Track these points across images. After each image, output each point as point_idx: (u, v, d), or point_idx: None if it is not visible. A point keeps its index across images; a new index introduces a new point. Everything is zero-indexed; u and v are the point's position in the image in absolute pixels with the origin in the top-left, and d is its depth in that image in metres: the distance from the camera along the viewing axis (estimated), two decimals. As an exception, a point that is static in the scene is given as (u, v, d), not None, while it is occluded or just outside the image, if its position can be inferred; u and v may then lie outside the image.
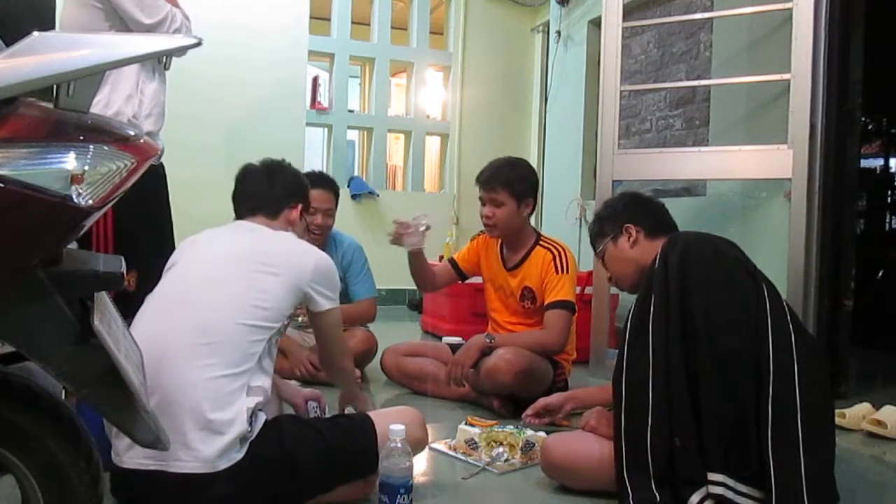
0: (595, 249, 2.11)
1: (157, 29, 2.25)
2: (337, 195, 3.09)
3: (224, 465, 1.47)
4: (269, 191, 1.91)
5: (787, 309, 1.68)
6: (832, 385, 2.85)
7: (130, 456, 1.46)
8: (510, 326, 2.83)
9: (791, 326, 1.64)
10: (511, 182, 2.69)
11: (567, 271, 2.64)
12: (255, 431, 1.54)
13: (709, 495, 1.55)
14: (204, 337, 1.52)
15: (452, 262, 3.02)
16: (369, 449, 1.65)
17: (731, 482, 1.55)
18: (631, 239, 1.98)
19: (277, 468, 1.56)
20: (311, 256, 1.77)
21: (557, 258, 2.68)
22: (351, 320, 3.03)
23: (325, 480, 1.63)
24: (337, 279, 1.84)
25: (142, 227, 2.25)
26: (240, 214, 1.92)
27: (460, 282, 3.09)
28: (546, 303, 2.63)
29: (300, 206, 1.97)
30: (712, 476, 1.56)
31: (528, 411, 2.27)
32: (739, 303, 1.64)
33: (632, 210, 2.04)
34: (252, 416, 1.54)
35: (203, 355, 1.50)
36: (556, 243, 2.75)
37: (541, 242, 2.76)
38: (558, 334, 2.60)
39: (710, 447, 1.56)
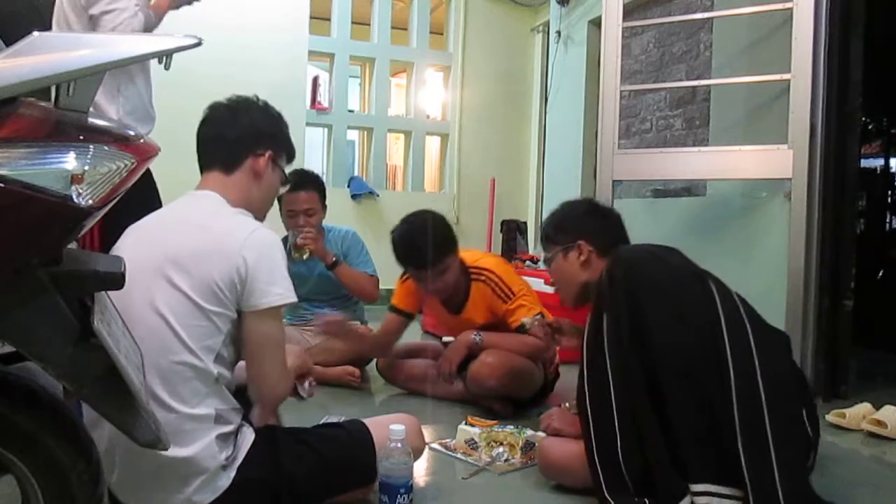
0: (544, 251, 2.08)
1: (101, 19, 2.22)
2: (321, 192, 3.05)
3: (209, 498, 1.42)
4: (227, 134, 1.58)
5: (740, 303, 1.69)
6: (832, 385, 2.89)
7: (115, 496, 1.40)
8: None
9: (747, 321, 1.65)
10: (445, 244, 2.54)
11: (513, 294, 2.58)
12: (242, 453, 1.47)
13: None
14: (148, 375, 1.28)
15: (396, 309, 2.82)
16: (368, 462, 1.61)
17: (714, 488, 1.56)
18: (582, 258, 1.94)
19: (273, 491, 1.50)
20: (242, 232, 1.46)
21: (497, 287, 2.60)
22: (353, 286, 3.08)
23: (322, 496, 1.60)
24: (282, 267, 1.48)
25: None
26: (200, 166, 1.64)
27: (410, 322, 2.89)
28: (516, 327, 2.56)
29: (269, 153, 1.61)
30: (696, 487, 1.57)
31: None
32: (692, 308, 1.66)
33: (589, 223, 2.00)
34: (234, 436, 1.47)
35: (150, 395, 1.30)
36: (485, 270, 2.64)
37: (472, 276, 2.65)
38: (545, 340, 2.54)
39: (690, 459, 1.57)
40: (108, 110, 2.25)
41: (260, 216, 1.67)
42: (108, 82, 2.26)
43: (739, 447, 1.54)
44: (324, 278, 3.09)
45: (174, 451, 1.33)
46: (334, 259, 2.99)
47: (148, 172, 2.40)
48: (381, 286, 3.21)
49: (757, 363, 1.59)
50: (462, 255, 2.70)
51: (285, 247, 3.09)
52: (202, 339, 1.41)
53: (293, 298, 1.49)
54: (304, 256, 2.95)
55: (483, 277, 2.64)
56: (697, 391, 1.60)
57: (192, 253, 1.43)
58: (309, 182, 3.02)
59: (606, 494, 1.63)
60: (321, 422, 1.93)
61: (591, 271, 1.90)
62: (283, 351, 1.53)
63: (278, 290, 1.46)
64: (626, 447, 1.62)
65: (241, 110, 1.61)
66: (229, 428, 1.46)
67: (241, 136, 1.59)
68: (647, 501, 1.59)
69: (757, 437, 1.54)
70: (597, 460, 1.66)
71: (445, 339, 3.00)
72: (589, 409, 1.69)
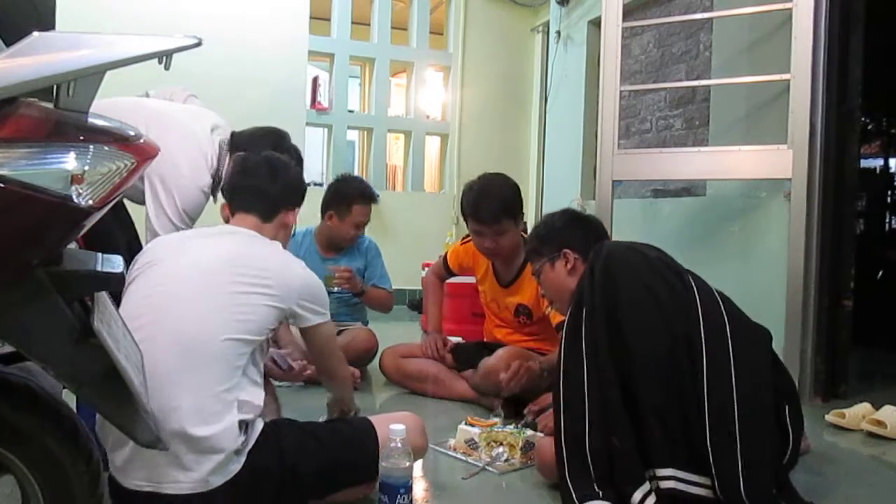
0: (532, 266, 2.13)
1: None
2: None
3: (220, 480, 1.46)
4: (269, 189, 1.81)
5: (720, 300, 1.72)
6: (832, 385, 2.89)
7: (126, 474, 1.43)
8: (499, 333, 2.85)
9: (725, 317, 1.67)
10: (511, 207, 2.61)
11: None
12: (252, 441, 1.52)
13: (651, 491, 1.59)
14: (186, 354, 1.45)
15: (445, 262, 3.03)
16: (370, 457, 1.63)
17: (680, 474, 1.59)
18: (568, 265, 1.99)
19: (277, 479, 1.54)
20: (299, 274, 1.69)
21: None
22: (375, 306, 3.25)
23: (325, 489, 1.62)
24: (325, 295, 1.77)
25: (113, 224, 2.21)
26: (234, 208, 1.82)
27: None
28: (558, 323, 2.50)
29: (297, 210, 1.88)
30: (661, 472, 1.60)
31: (534, 407, 2.29)
32: (668, 299, 1.69)
33: (571, 232, 2.04)
34: (247, 425, 1.52)
35: (186, 375, 1.43)
36: None
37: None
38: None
39: (656, 445, 1.60)
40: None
41: None
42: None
43: (707, 439, 1.57)
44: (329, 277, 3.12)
45: (206, 433, 1.42)
46: (361, 288, 3.12)
47: None
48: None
49: (732, 356, 1.62)
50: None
51: (312, 241, 3.21)
52: (249, 333, 1.53)
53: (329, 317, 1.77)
54: (335, 289, 3.05)
55: None
56: (669, 380, 1.62)
57: (265, 267, 1.61)
58: (375, 198, 3.22)
59: (568, 476, 1.65)
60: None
61: (579, 277, 1.92)
62: (338, 348, 1.89)
63: (324, 310, 1.74)
64: (595, 432, 1.64)
65: (281, 170, 1.84)
66: (249, 417, 1.52)
67: (280, 194, 1.82)
68: (601, 494, 1.60)
69: (724, 431, 1.57)
70: (563, 443, 1.68)
71: (453, 338, 3.00)
72: (562, 394, 1.71)
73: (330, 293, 3.10)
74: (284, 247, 1.84)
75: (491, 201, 2.58)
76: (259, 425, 1.56)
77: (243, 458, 1.49)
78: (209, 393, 1.44)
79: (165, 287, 1.53)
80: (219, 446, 1.44)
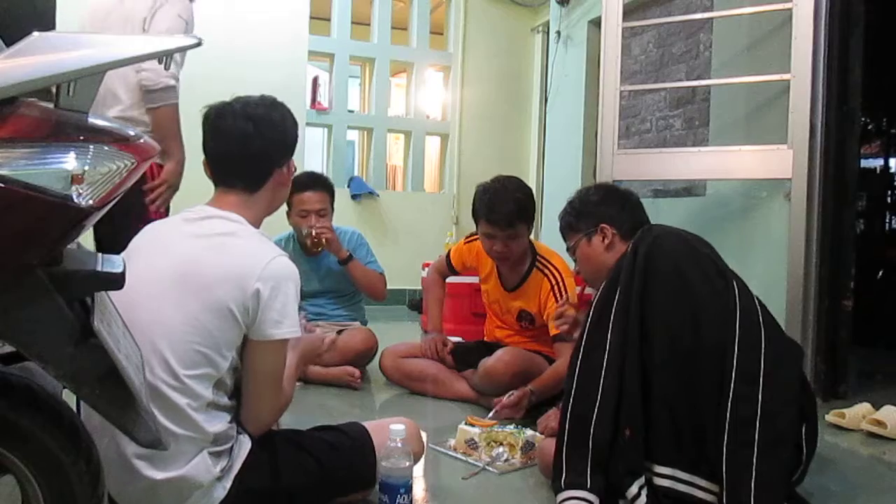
0: (565, 241, 2.05)
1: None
2: (331, 193, 3.10)
3: None
4: (251, 152, 1.50)
5: (759, 310, 1.67)
6: (832, 385, 2.89)
7: None
8: (500, 333, 2.85)
9: (762, 329, 1.62)
10: (526, 211, 2.57)
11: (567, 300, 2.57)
12: (239, 462, 1.46)
13: (646, 485, 1.57)
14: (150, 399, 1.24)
15: (448, 260, 2.99)
16: (368, 468, 1.62)
17: (681, 475, 1.56)
18: (606, 241, 1.93)
19: (272, 499, 1.50)
20: (261, 258, 1.42)
21: (556, 287, 2.60)
22: (365, 283, 3.12)
23: (321, 502, 1.61)
24: (295, 301, 1.46)
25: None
26: (214, 180, 1.56)
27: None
28: (554, 335, 2.56)
29: (291, 161, 1.58)
30: (660, 469, 1.57)
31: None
32: (705, 300, 1.64)
33: (608, 207, 1.97)
34: (230, 448, 1.47)
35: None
36: (553, 266, 2.66)
37: (538, 264, 2.68)
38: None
39: (662, 440, 1.58)
40: None
41: (270, 214, 1.65)
42: None
43: (724, 447, 1.53)
44: (329, 276, 3.11)
45: (168, 472, 1.35)
46: (348, 254, 3.03)
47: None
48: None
49: (762, 369, 1.57)
50: (535, 242, 2.76)
51: (295, 243, 3.11)
52: (205, 366, 1.40)
53: (298, 334, 1.49)
54: (319, 249, 2.98)
55: (548, 271, 2.65)
56: (688, 378, 1.59)
57: (209, 274, 1.41)
58: (320, 183, 3.07)
59: (564, 454, 1.63)
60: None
61: (616, 254, 1.87)
62: (281, 382, 1.51)
63: (288, 322, 1.44)
64: (602, 414, 1.61)
65: (261, 122, 1.50)
66: (225, 447, 1.46)
67: (266, 154, 1.53)
68: (589, 483, 1.58)
69: (743, 442, 1.53)
70: (568, 419, 1.65)
71: (453, 338, 3.01)
72: (577, 372, 1.68)
73: (323, 294, 3.12)
74: (283, 199, 1.64)
75: (506, 204, 2.53)
76: (245, 445, 1.49)
77: (228, 483, 1.44)
78: (173, 440, 1.32)
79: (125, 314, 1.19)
80: (195, 482, 1.39)
